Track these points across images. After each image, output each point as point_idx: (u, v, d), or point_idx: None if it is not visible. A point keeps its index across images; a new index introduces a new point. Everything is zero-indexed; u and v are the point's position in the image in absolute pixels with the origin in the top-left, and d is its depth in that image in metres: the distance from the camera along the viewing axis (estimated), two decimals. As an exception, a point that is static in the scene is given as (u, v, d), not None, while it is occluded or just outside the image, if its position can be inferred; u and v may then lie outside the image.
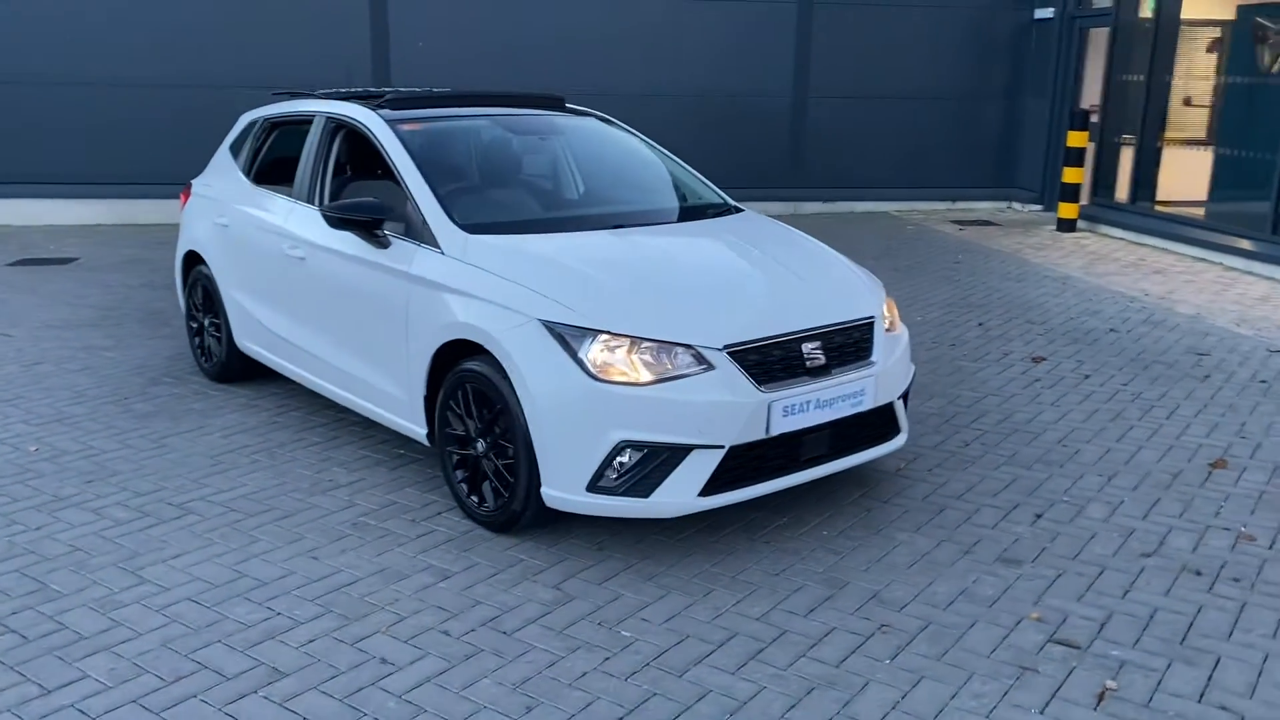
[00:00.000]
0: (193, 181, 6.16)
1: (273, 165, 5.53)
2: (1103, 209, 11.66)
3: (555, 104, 5.41)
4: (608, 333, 3.62)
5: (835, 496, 4.37)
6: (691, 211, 4.88)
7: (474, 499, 4.03)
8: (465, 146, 4.91)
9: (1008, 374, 6.20)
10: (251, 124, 5.82)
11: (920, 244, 10.76)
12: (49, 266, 9.22)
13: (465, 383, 3.94)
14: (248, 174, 5.64)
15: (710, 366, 3.64)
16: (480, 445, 3.95)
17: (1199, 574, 3.74)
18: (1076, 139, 11.34)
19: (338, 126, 4.99)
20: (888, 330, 4.23)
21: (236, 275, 5.50)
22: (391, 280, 4.28)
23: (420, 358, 4.13)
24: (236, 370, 5.76)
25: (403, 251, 4.28)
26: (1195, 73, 11.24)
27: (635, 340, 3.62)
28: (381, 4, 11.52)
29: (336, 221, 4.35)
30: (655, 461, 3.60)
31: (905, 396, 4.34)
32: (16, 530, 4.01)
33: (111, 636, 3.27)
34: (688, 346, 3.64)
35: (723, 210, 4.96)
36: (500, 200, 4.69)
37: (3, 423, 5.21)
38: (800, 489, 4.32)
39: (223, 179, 5.82)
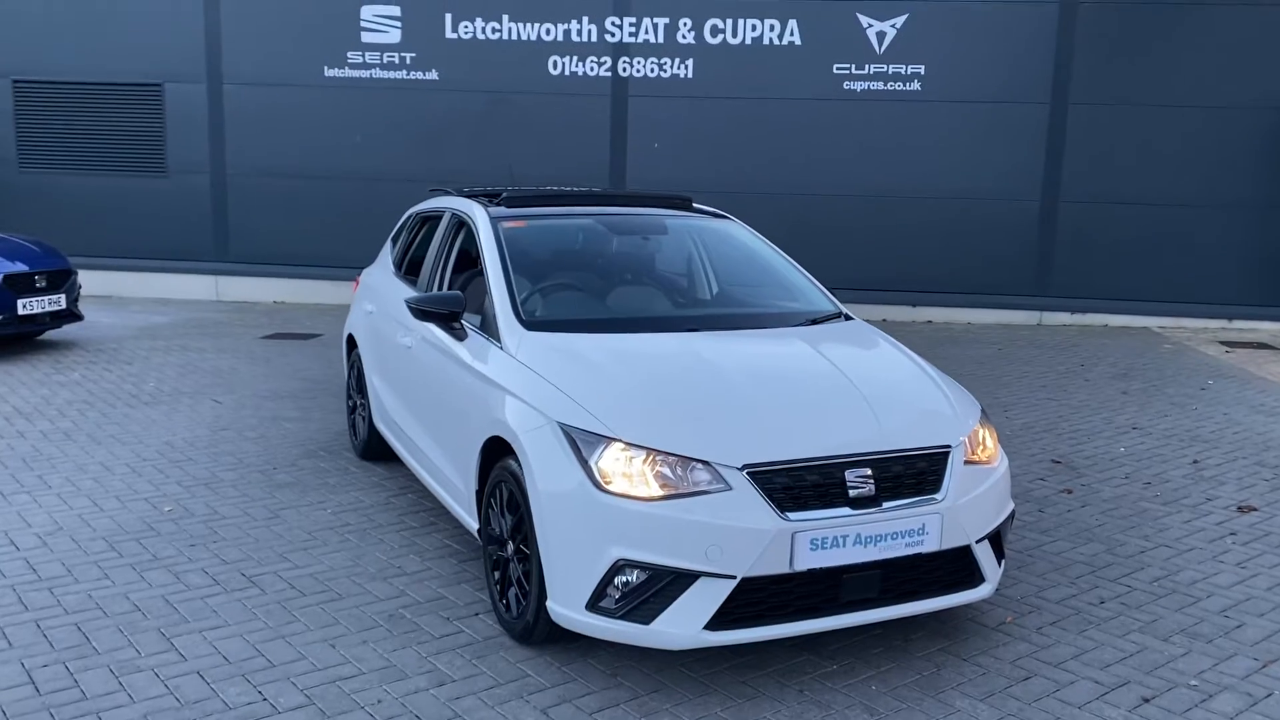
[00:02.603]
0: (364, 270, 6.54)
1: (414, 257, 5.77)
2: None
3: (680, 204, 5.30)
4: (621, 441, 3.41)
5: (908, 647, 3.85)
6: (783, 318, 4.58)
7: (504, 603, 3.89)
8: (560, 245, 4.91)
9: (1200, 523, 5.31)
10: (409, 217, 6.12)
11: (1171, 365, 9.62)
12: (294, 340, 10.12)
13: (502, 482, 3.84)
14: (397, 265, 5.92)
15: (728, 486, 3.33)
16: (509, 548, 3.82)
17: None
18: (1376, 255, 9.81)
19: (460, 223, 5.13)
20: (972, 461, 3.72)
21: (375, 359, 5.74)
22: (461, 372, 4.29)
23: (472, 451, 4.08)
24: (376, 449, 5.98)
25: (474, 345, 4.29)
26: None
27: (651, 452, 3.39)
28: (622, 106, 11.97)
29: (418, 313, 4.43)
30: (657, 586, 3.32)
31: (998, 539, 3.79)
32: (102, 586, 4.29)
33: (107, 701, 3.38)
34: (704, 462, 3.36)
35: (826, 318, 4.62)
36: (574, 299, 4.62)
37: (160, 481, 5.66)
38: (867, 634, 3.85)
39: (379, 268, 6.14)
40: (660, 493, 3.34)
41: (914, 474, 3.56)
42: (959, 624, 4.04)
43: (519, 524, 3.73)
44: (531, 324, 4.13)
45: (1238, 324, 11.82)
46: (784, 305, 4.74)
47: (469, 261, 5.19)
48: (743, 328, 4.38)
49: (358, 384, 6.19)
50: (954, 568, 3.65)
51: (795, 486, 3.38)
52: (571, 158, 11.88)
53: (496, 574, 3.97)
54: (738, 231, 5.20)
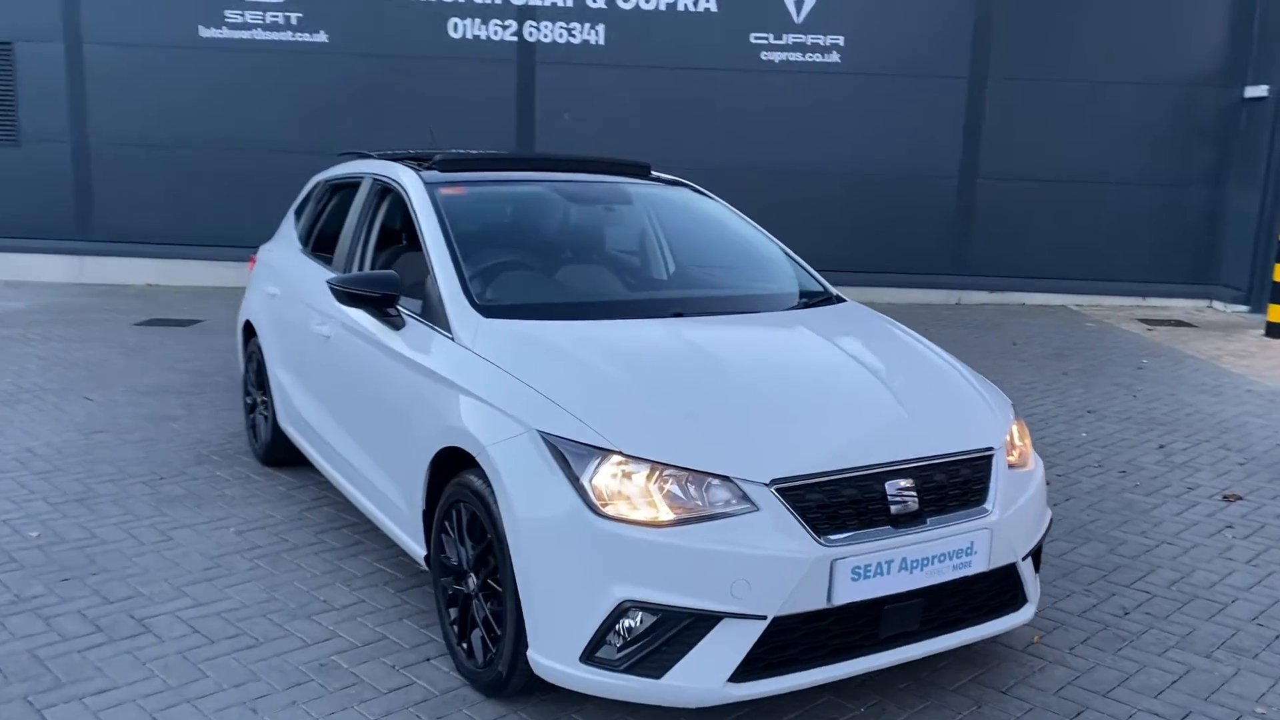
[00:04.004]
0: (260, 246, 5.72)
1: (326, 231, 5.01)
2: (1325, 313, 9.99)
3: (639, 171, 4.66)
4: (620, 454, 2.78)
5: (938, 680, 3.34)
6: (775, 300, 4.00)
7: (464, 647, 3.23)
8: (509, 216, 4.23)
9: (1190, 515, 4.97)
10: (316, 186, 5.33)
11: (1100, 345, 9.44)
12: (173, 328, 9.11)
13: (460, 501, 3.17)
14: (303, 240, 5.14)
15: (754, 506, 2.74)
16: (471, 582, 3.16)
17: None
18: (1292, 232, 9.83)
19: (383, 190, 4.40)
20: (1013, 465, 3.22)
21: (280, 350, 4.96)
22: (400, 368, 3.59)
23: (419, 464, 3.39)
24: (282, 453, 5.20)
25: (415, 335, 3.59)
26: None
27: (657, 466, 2.77)
28: (529, 74, 11.22)
29: (345, 296, 3.70)
30: (671, 631, 2.71)
31: (1037, 553, 3.30)
32: (-49, 637, 3.46)
33: (-41, 805, 2.61)
34: (724, 478, 2.76)
35: (817, 300, 4.07)
36: (537, 279, 3.95)
37: (22, 498, 4.78)
38: (893, 668, 3.32)
39: (281, 245, 5.34)
40: (672, 517, 2.73)
41: (958, 483, 3.03)
42: (985, 647, 3.54)
43: (486, 554, 3.07)
44: (488, 309, 3.45)
45: (1152, 302, 11.80)
46: (770, 285, 4.16)
47: (394, 236, 4.46)
48: (732, 311, 3.78)
49: (258, 378, 5.38)
50: (997, 589, 3.14)
51: (831, 504, 2.81)
52: (475, 128, 11.07)
53: (453, 611, 3.30)
54: (706, 203, 4.60)
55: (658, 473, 2.77)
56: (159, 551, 4.23)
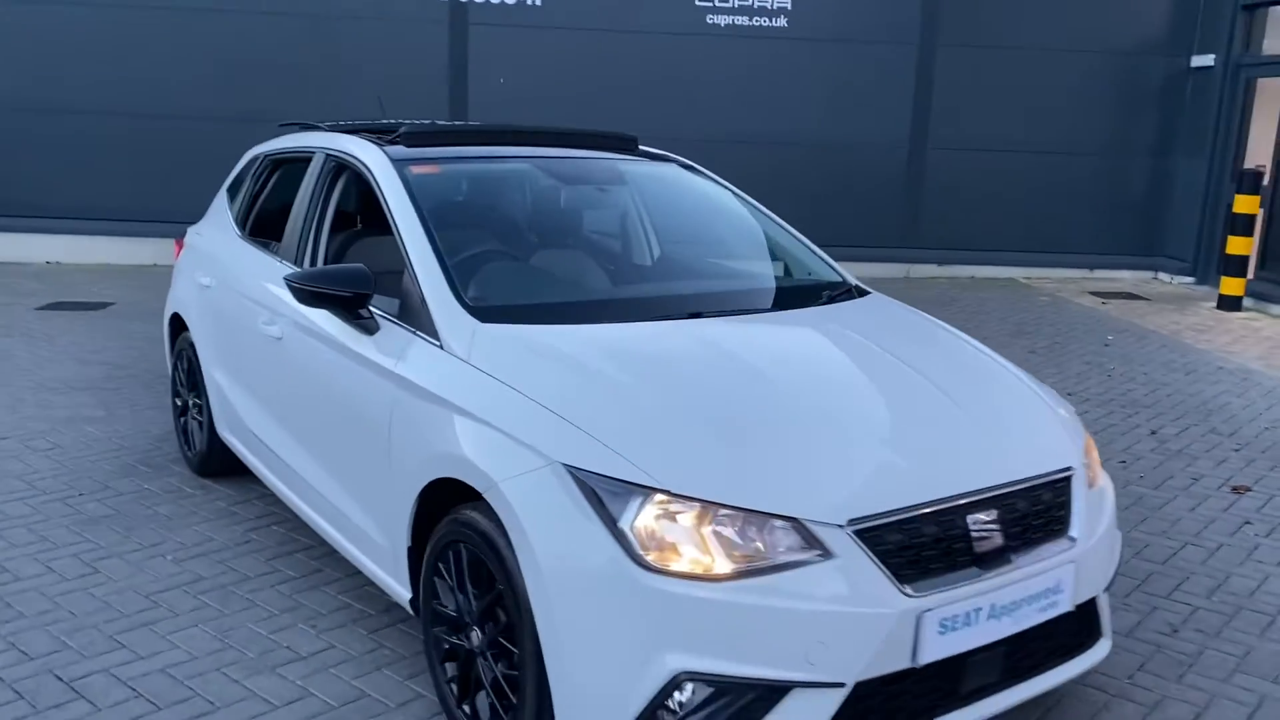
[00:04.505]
0: (188, 229, 5.09)
1: (269, 213, 4.43)
2: (1276, 286, 9.96)
3: (626, 145, 4.17)
4: (666, 493, 2.33)
5: (998, 721, 2.97)
6: (798, 294, 3.57)
7: (465, 710, 2.75)
8: (495, 199, 3.72)
9: (1204, 510, 4.71)
10: (252, 161, 4.72)
11: (1059, 320, 9.24)
12: (80, 312, 8.33)
13: (460, 542, 2.69)
14: (240, 223, 4.54)
15: (826, 553, 2.31)
16: (475, 637, 2.68)
17: None
18: (1246, 204, 9.74)
19: (338, 166, 3.84)
20: (1089, 486, 2.85)
21: (218, 349, 4.38)
22: (375, 380, 3.07)
23: (404, 495, 2.90)
24: (219, 463, 4.63)
25: (392, 340, 3.07)
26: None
27: (709, 506, 2.32)
28: (461, 36, 10.56)
29: (306, 295, 3.15)
30: (735, 706, 2.27)
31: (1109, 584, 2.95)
32: None
33: None
34: (791, 520, 2.32)
35: (841, 292, 3.65)
36: (533, 275, 3.44)
37: (-85, 526, 4.14)
38: None
39: (214, 229, 4.73)
40: (730, 568, 2.28)
41: (1039, 512, 2.64)
42: (1041, 681, 3.19)
43: (494, 605, 2.60)
44: (482, 312, 2.94)
45: (1099, 274, 11.70)
46: (790, 277, 3.72)
47: (351, 220, 3.91)
48: (756, 309, 3.32)
49: (189, 378, 4.79)
50: (1075, 627, 2.78)
51: (912, 545, 2.40)
52: (405, 94, 10.34)
53: (450, 666, 2.82)
54: (702, 182, 4.13)
55: (710, 514, 2.32)
56: (86, 589, 3.65)
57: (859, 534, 2.33)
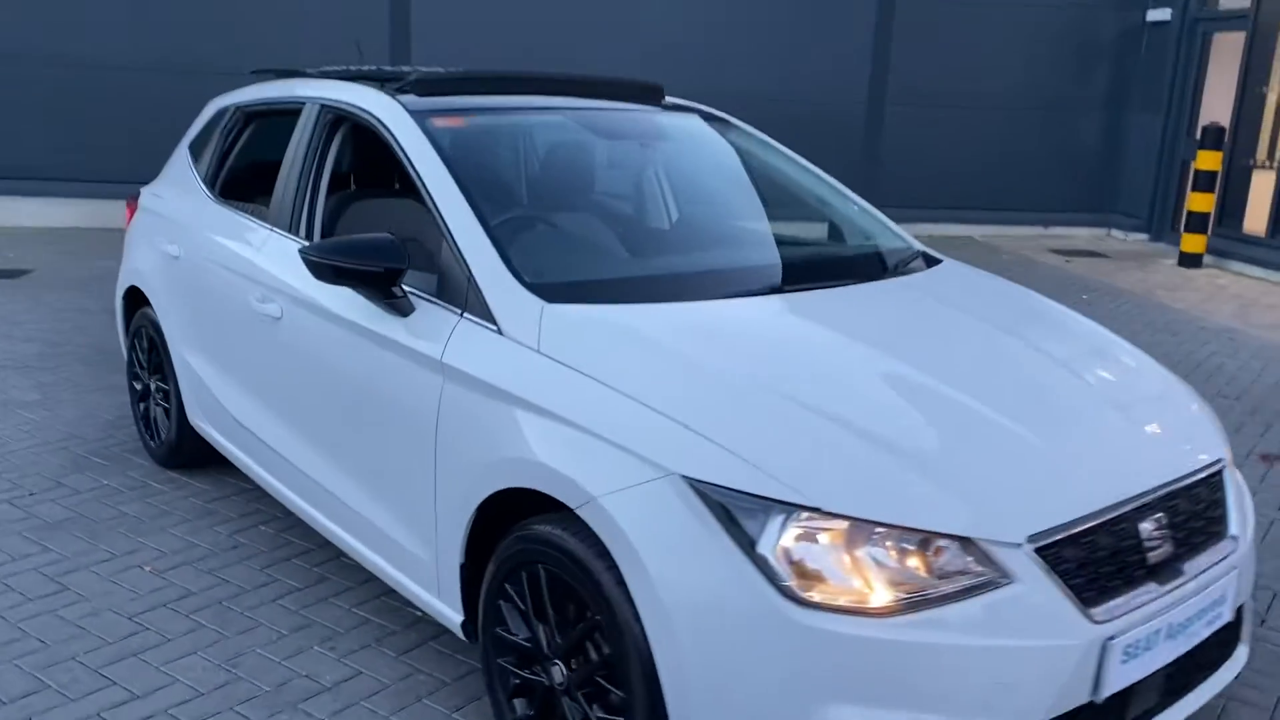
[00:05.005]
0: (142, 190, 4.52)
1: (246, 173, 3.91)
2: (1234, 243, 9.95)
3: (651, 94, 3.72)
4: (816, 510, 1.96)
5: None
6: (875, 262, 3.21)
7: (545, 756, 2.37)
8: (531, 156, 3.27)
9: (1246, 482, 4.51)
10: (220, 114, 4.17)
11: (1029, 280, 8.97)
12: (-4, 281, 7.60)
13: (536, 561, 2.29)
14: (210, 185, 4.00)
15: (1005, 576, 1.97)
16: (559, 673, 2.29)
17: None
18: (1208, 160, 9.69)
19: (336, 119, 3.35)
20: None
21: (190, 328, 3.86)
22: (412, 369, 2.63)
23: (457, 504, 2.48)
24: (191, 454, 4.13)
25: (433, 323, 2.62)
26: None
27: (862, 525, 1.96)
28: (401, -18, 9.90)
29: (327, 271, 2.68)
30: (900, 760, 1.93)
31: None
32: None
33: None
34: (962, 540, 1.97)
35: (910, 259, 3.30)
36: (592, 245, 3.00)
37: None
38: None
39: (178, 190, 4.17)
40: (894, 599, 1.93)
41: (1199, 512, 2.35)
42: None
43: (584, 640, 2.21)
44: (545, 289, 2.51)
45: (1054, 231, 11.63)
46: (866, 241, 3.36)
47: (366, 181, 3.45)
48: (842, 279, 2.92)
49: (149, 360, 4.26)
50: (1223, 636, 2.50)
51: (1090, 561, 2.07)
52: (336, 34, 9.64)
53: (519, 703, 2.43)
54: (745, 137, 3.72)
55: (864, 535, 1.96)
56: (54, 611, 3.16)
57: (1040, 552, 1.99)
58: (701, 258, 3.08)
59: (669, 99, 3.81)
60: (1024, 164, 11.44)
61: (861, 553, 1.96)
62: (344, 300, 2.87)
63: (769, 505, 1.97)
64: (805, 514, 1.96)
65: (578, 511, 2.15)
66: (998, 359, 2.57)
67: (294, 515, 3.62)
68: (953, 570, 1.96)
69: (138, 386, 4.41)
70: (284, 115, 3.65)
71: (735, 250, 3.20)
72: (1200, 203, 9.79)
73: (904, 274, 3.11)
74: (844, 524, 1.96)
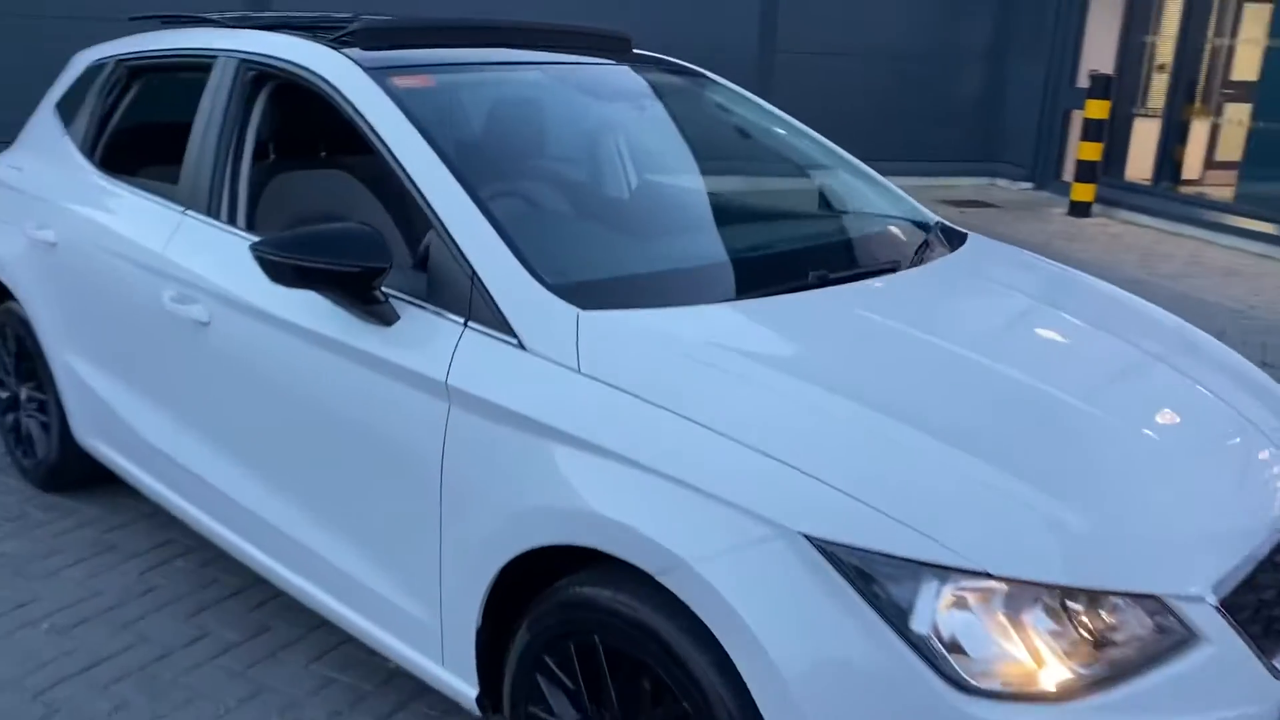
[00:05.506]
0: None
1: (137, 140, 3.26)
2: (1121, 191, 10.09)
3: (619, 45, 3.24)
4: (984, 575, 1.59)
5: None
6: (908, 243, 2.82)
7: None
8: (516, 123, 2.75)
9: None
10: (96, 69, 3.47)
11: (931, 232, 8.98)
12: None
13: (588, 629, 1.85)
14: (89, 153, 3.32)
15: (1193, 637, 1.65)
16: (627, 769, 1.88)
17: None
18: (1097, 109, 9.74)
19: (260, 77, 2.76)
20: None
21: (75, 328, 3.21)
22: (404, 393, 2.13)
23: (472, 560, 2.01)
24: (77, 474, 3.50)
25: (427, 334, 2.12)
26: (1244, 34, 9.84)
27: (1025, 588, 1.60)
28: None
29: (288, 272, 2.13)
30: None
31: None
32: None
33: None
34: (1147, 598, 1.64)
35: (946, 232, 2.96)
36: (613, 234, 2.52)
37: None
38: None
39: (45, 160, 3.47)
40: (1076, 677, 1.59)
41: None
42: None
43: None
44: (574, 292, 2.04)
45: (939, 181, 11.58)
46: (889, 221, 2.98)
47: (302, 151, 2.88)
48: (886, 266, 2.51)
49: (18, 364, 3.58)
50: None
51: (1263, 605, 1.78)
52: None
53: (560, 797, 2.01)
54: (736, 97, 3.28)
55: (1028, 599, 1.61)
56: (-67, 695, 2.55)
57: (1225, 607, 1.68)
58: (752, 241, 2.63)
59: (636, 51, 3.34)
60: (910, 114, 11.35)
61: (1029, 621, 1.60)
62: (301, 305, 2.33)
63: (919, 570, 1.59)
64: (965, 578, 1.59)
65: (660, 579, 1.72)
66: (1106, 363, 2.25)
67: (215, 545, 3.05)
68: (1129, 633, 1.63)
69: (3, 395, 3.71)
70: (184, 70, 3.02)
71: (782, 231, 2.77)
72: (1090, 151, 9.85)
73: (955, 256, 2.75)
74: (1005, 587, 1.60)
